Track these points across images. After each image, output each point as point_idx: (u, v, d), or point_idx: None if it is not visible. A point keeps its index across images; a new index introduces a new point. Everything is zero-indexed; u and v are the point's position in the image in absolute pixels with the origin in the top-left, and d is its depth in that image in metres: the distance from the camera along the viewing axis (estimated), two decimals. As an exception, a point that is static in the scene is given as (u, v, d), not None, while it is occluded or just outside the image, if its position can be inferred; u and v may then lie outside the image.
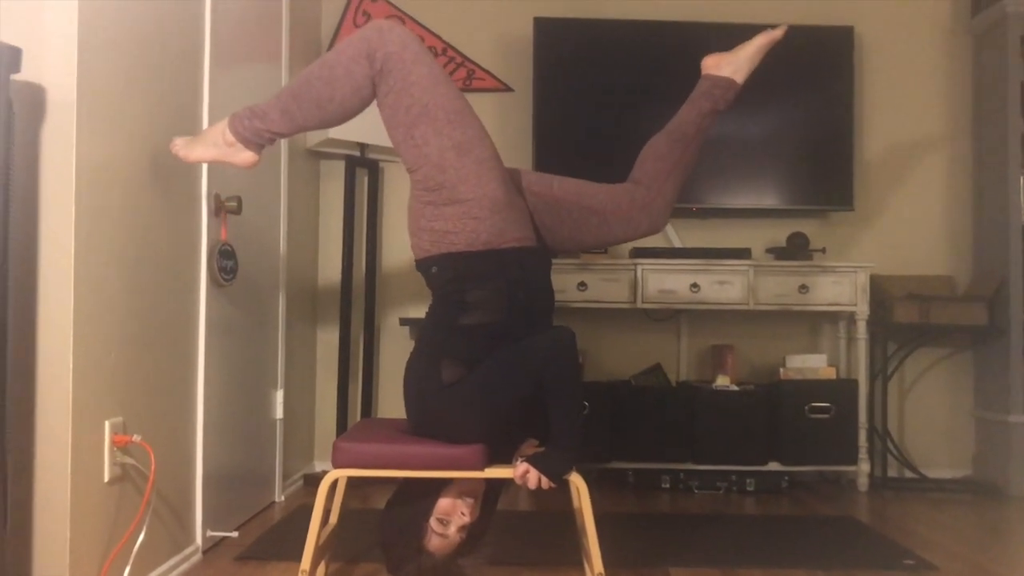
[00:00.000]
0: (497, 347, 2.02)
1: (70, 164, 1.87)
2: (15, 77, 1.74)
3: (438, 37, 4.02)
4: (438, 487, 2.09)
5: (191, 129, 2.52)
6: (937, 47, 4.13)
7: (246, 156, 2.15)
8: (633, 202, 2.26)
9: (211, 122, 2.62)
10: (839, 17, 4.09)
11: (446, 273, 2.08)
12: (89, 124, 1.94)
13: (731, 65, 2.27)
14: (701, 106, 2.27)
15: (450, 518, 2.09)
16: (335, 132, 3.57)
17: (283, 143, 3.39)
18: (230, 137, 2.12)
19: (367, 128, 3.60)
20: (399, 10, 3.99)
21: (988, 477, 3.86)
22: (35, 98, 1.86)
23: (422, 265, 2.13)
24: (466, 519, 2.09)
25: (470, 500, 2.10)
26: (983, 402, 3.96)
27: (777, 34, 2.30)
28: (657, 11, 4.03)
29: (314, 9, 3.93)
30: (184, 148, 2.19)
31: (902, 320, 3.74)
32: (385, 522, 2.15)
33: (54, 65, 1.87)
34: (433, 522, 2.08)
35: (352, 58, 2.05)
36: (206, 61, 2.61)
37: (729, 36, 3.99)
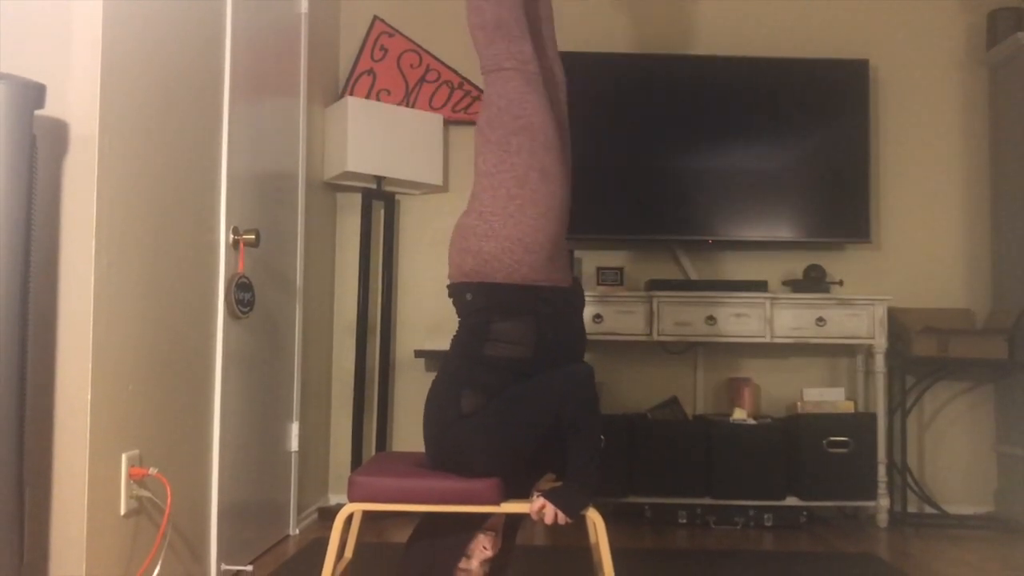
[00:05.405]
0: (519, 382, 2.01)
1: (91, 198, 1.89)
2: (39, 113, 1.77)
3: (454, 71, 4.05)
4: (462, 524, 2.07)
5: (210, 162, 2.54)
6: (953, 79, 4.13)
7: None
8: None
9: (230, 155, 2.65)
10: (854, 50, 4.10)
11: (479, 301, 2.08)
12: (110, 158, 1.96)
13: None
14: None
15: (472, 552, 2.07)
16: (352, 165, 3.60)
17: (300, 176, 3.41)
18: None
19: (384, 161, 3.64)
20: (416, 45, 4.03)
21: (1011, 513, 3.80)
22: (58, 133, 1.88)
23: (457, 288, 2.14)
24: (488, 553, 2.07)
25: (491, 534, 2.09)
26: (1005, 437, 3.91)
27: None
28: (671, 45, 4.05)
29: (332, 43, 3.97)
30: None
31: (920, 353, 3.71)
32: (410, 560, 2.13)
33: (77, 101, 1.90)
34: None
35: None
36: (225, 95, 2.64)
37: (741, 70, 4.07)
